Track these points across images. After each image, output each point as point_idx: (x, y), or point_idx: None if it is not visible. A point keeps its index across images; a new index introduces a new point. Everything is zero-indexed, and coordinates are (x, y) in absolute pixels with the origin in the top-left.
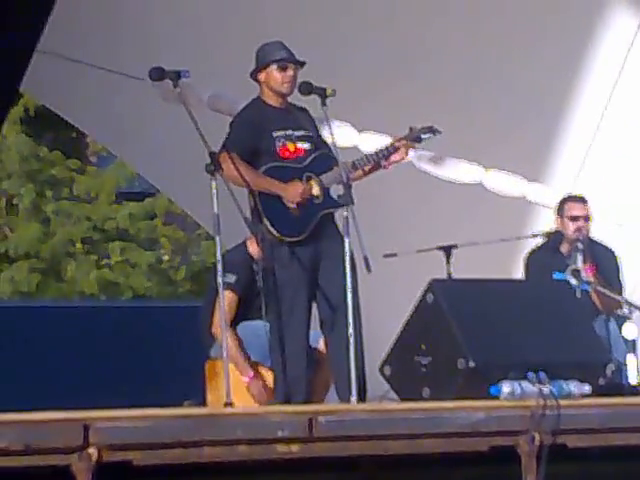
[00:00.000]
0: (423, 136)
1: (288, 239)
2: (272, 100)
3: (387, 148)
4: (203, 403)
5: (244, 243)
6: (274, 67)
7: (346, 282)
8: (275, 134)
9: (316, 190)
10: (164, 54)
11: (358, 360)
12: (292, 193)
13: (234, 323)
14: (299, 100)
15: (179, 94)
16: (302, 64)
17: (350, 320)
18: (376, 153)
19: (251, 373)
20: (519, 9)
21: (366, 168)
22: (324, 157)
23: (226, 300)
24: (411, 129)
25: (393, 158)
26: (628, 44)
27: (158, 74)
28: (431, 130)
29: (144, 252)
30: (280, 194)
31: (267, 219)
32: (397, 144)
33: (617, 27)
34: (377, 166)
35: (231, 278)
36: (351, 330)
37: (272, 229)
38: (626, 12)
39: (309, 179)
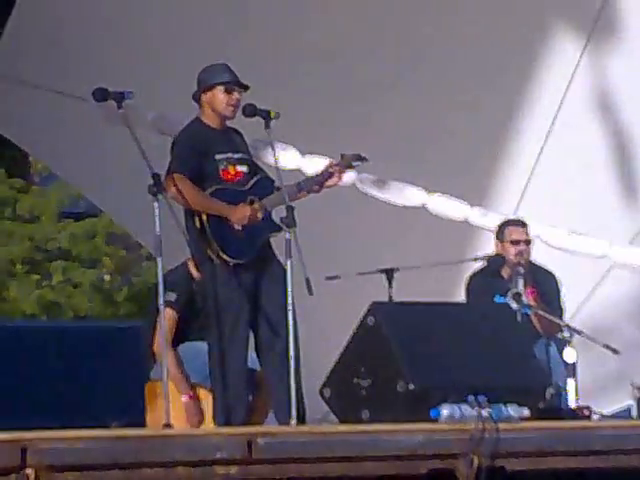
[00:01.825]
0: (354, 163)
1: (235, 261)
2: (213, 122)
3: (322, 173)
4: (133, 424)
5: (185, 263)
6: (220, 89)
7: (286, 304)
8: (217, 157)
9: (260, 214)
10: (108, 75)
11: (296, 383)
12: (239, 216)
13: (175, 343)
14: (242, 123)
15: (123, 115)
16: (246, 88)
17: (291, 343)
18: (315, 176)
19: (190, 392)
20: (463, 34)
21: (301, 194)
22: (264, 181)
23: (167, 318)
24: (342, 156)
25: (329, 182)
26: (572, 68)
27: (102, 95)
28: (360, 158)
29: (86, 271)
30: (228, 217)
31: (216, 242)
32: (331, 169)
33: (561, 50)
34: (309, 192)
35: (171, 296)
36: (292, 352)
37: (221, 252)
38: (569, 36)
39: (252, 202)
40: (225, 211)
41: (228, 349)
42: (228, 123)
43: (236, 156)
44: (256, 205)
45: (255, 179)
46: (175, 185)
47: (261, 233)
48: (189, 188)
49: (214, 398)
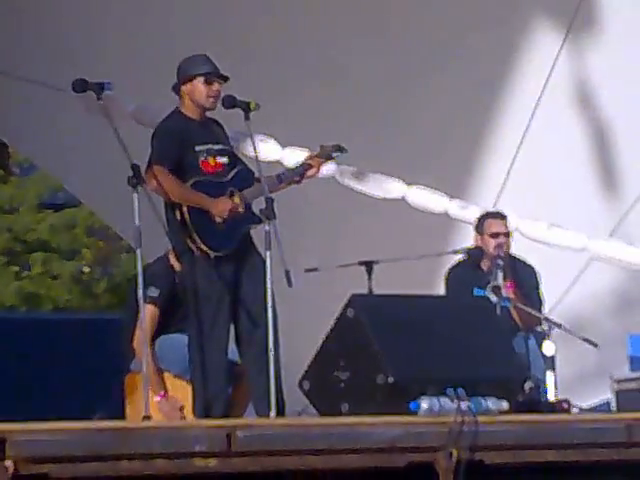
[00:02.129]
0: (333, 154)
1: (216, 254)
2: (193, 113)
3: (302, 165)
4: (113, 416)
5: (165, 255)
6: (200, 80)
7: (266, 297)
8: (197, 148)
9: (240, 206)
10: (87, 66)
11: (276, 375)
12: (220, 209)
13: (154, 337)
14: (222, 113)
15: (102, 106)
16: (226, 79)
17: (271, 335)
18: (295, 168)
19: (162, 392)
20: (443, 27)
21: (282, 185)
22: (245, 172)
23: (149, 314)
24: (322, 147)
25: (308, 174)
26: (551, 62)
27: (81, 86)
28: (339, 149)
29: (65, 263)
30: (209, 209)
31: (197, 234)
32: (312, 162)
33: (540, 44)
34: (290, 183)
35: (154, 292)
36: (271, 345)
37: (202, 244)
38: (549, 30)
39: (232, 194)
40: (206, 203)
41: (208, 341)
42: (208, 114)
43: (216, 147)
44: (236, 197)
45: (235, 170)
46: (155, 177)
47: (241, 225)
48: (169, 180)
49: (194, 390)
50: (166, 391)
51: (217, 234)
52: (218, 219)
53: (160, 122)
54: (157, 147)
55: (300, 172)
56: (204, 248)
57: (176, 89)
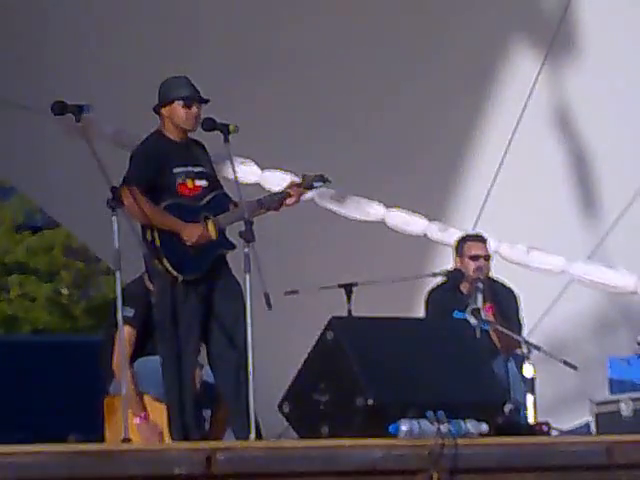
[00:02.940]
0: (315, 184)
1: (185, 277)
2: (173, 134)
3: (281, 192)
4: (91, 438)
5: (142, 277)
6: (179, 104)
7: (246, 319)
8: (175, 170)
9: (213, 232)
10: (66, 88)
11: (247, 397)
12: (191, 234)
13: (132, 358)
14: (201, 136)
15: (81, 128)
16: (206, 101)
17: (250, 357)
18: (275, 194)
19: (142, 413)
20: (421, 46)
21: (261, 210)
22: (221, 197)
23: (125, 335)
24: (304, 176)
25: (287, 202)
26: (530, 84)
27: (60, 108)
28: (322, 179)
29: (43, 285)
30: (179, 233)
31: (165, 257)
32: (290, 190)
33: (519, 67)
34: (268, 209)
35: (129, 312)
36: (250, 368)
37: (170, 267)
38: (528, 52)
39: (206, 219)
40: (177, 227)
41: (181, 364)
42: (191, 135)
43: (196, 170)
44: (210, 225)
45: (211, 195)
46: (127, 197)
47: (213, 250)
48: (141, 201)
49: (170, 413)
50: (146, 413)
51: (187, 258)
52: (188, 243)
53: (140, 142)
54: (131, 168)
55: (279, 200)
56: (172, 271)
57: (156, 110)
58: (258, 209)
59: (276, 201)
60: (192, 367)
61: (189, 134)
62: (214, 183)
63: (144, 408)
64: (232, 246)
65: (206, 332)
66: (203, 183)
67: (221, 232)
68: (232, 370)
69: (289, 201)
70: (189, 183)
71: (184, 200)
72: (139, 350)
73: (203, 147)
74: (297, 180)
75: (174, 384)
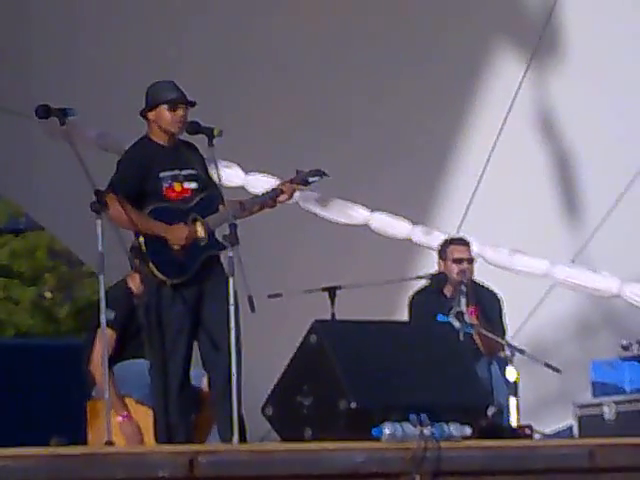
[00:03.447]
0: (311, 179)
1: (172, 281)
2: (160, 139)
3: (274, 190)
4: (74, 441)
5: (125, 280)
6: (165, 107)
7: (229, 322)
8: (162, 174)
9: (201, 233)
10: (51, 92)
11: (237, 400)
12: (176, 236)
13: (111, 362)
14: (187, 139)
15: (65, 132)
16: (193, 104)
17: (234, 360)
18: (264, 194)
19: (125, 413)
20: (406, 49)
21: (254, 209)
22: (211, 198)
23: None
24: (298, 172)
25: (279, 199)
26: (514, 88)
27: (44, 112)
28: (319, 173)
29: (27, 288)
30: (165, 236)
31: (152, 262)
32: (283, 187)
33: (503, 70)
34: (263, 207)
35: (110, 315)
36: (234, 370)
37: (157, 272)
38: (512, 55)
39: (194, 221)
40: (162, 231)
41: (169, 367)
42: (182, 137)
43: (184, 173)
44: (198, 225)
45: (200, 197)
46: (111, 203)
47: (201, 252)
48: (125, 208)
49: (155, 416)
50: (129, 412)
51: (174, 261)
52: (174, 247)
53: (127, 148)
54: (118, 174)
55: (271, 197)
56: (159, 275)
57: (143, 115)
58: (241, 212)
59: (268, 198)
60: (180, 371)
61: (180, 137)
62: (205, 184)
63: (126, 408)
64: (222, 247)
65: (197, 334)
66: (192, 185)
67: (210, 234)
68: (221, 373)
69: (281, 198)
70: (177, 187)
71: (171, 204)
72: (118, 353)
73: (195, 149)
74: (289, 177)
75: (160, 388)
